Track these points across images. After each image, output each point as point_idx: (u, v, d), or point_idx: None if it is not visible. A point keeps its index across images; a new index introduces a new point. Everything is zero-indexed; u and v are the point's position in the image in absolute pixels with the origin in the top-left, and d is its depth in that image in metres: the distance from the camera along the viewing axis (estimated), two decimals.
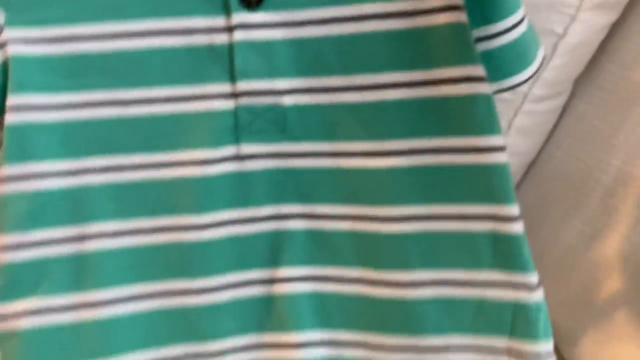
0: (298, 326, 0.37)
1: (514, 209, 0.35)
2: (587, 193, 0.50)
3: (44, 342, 0.35)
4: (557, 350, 0.55)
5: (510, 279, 0.36)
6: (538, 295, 0.36)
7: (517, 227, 0.36)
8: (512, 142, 0.54)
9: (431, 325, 0.37)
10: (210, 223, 0.37)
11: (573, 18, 0.49)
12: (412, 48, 0.35)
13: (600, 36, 0.52)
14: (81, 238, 0.36)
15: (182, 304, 0.37)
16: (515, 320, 0.36)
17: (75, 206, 0.36)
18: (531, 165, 0.57)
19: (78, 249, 0.36)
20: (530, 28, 0.39)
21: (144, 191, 0.36)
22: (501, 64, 0.38)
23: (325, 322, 0.38)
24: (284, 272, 0.37)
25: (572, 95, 0.55)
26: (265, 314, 0.38)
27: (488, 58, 0.36)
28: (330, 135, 0.36)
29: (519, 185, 0.59)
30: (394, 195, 0.36)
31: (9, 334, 0.35)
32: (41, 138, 0.35)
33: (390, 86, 0.35)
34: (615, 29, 0.53)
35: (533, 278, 0.36)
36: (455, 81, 0.35)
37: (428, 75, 0.35)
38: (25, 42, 0.35)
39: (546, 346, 0.36)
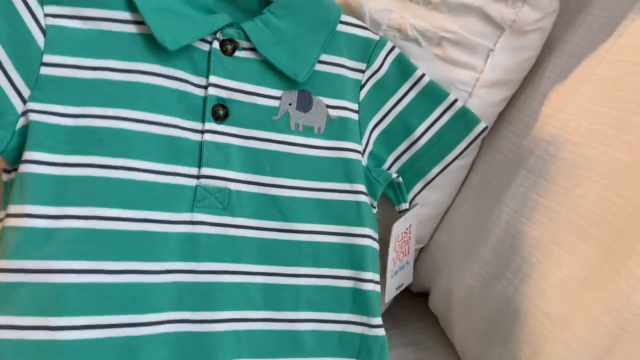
0: (218, 357, 0.47)
1: (368, 275, 0.53)
2: (483, 241, 0.59)
3: (8, 352, 0.42)
4: None
5: (361, 320, 0.53)
6: (376, 332, 0.53)
7: (370, 286, 0.53)
8: (424, 195, 0.62)
9: (309, 350, 0.51)
10: (162, 270, 0.46)
11: (470, 95, 0.58)
12: (324, 169, 0.53)
13: (497, 109, 0.61)
14: (50, 271, 0.43)
15: (127, 334, 0.45)
16: (360, 347, 0.53)
17: (50, 244, 0.43)
18: (446, 214, 0.66)
19: (45, 280, 0.43)
20: None
21: (114, 239, 0.45)
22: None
23: (238, 352, 0.49)
24: (213, 315, 0.48)
25: (478, 155, 0.64)
26: (192, 347, 0.47)
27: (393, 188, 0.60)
28: (258, 214, 0.51)
29: (435, 231, 0.67)
30: (297, 259, 0.52)
31: None
32: (36, 187, 0.43)
33: (299, 188, 0.52)
34: (513, 101, 0.62)
35: (374, 320, 0.53)
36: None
37: (324, 186, 0.53)
38: (42, 113, 0.44)
39: None
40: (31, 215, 0.43)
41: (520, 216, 0.56)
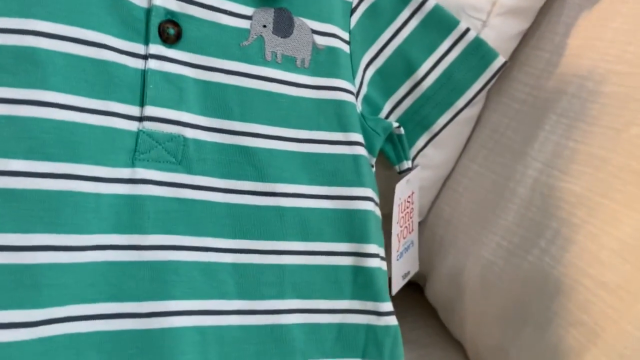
0: None
1: (372, 248, 0.42)
2: (503, 206, 0.48)
3: None
4: None
5: (365, 307, 0.42)
6: (386, 321, 0.42)
7: (374, 262, 0.42)
8: (426, 154, 0.51)
9: (299, 349, 0.40)
10: (89, 245, 0.34)
11: (484, 24, 0.48)
12: (311, 114, 0.41)
13: (513, 44, 0.51)
14: None
15: (39, 335, 0.32)
16: (367, 342, 0.42)
17: None
18: (447, 180, 0.55)
19: None
20: None
21: (20, 203, 0.32)
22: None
23: (204, 356, 0.37)
24: (166, 305, 0.36)
25: (485, 107, 0.53)
26: (140, 352, 0.35)
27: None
28: (225, 172, 0.39)
29: (435, 200, 0.56)
30: (278, 231, 0.40)
31: None
32: None
33: (280, 139, 0.40)
34: (526, 40, 0.52)
35: (383, 306, 0.42)
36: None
37: (312, 135, 0.41)
38: None
39: None
40: None
41: (553, 170, 0.45)
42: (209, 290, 0.37)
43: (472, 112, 0.52)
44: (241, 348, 0.38)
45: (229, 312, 0.38)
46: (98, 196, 0.34)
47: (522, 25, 0.50)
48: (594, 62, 0.45)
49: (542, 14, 0.51)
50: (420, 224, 0.57)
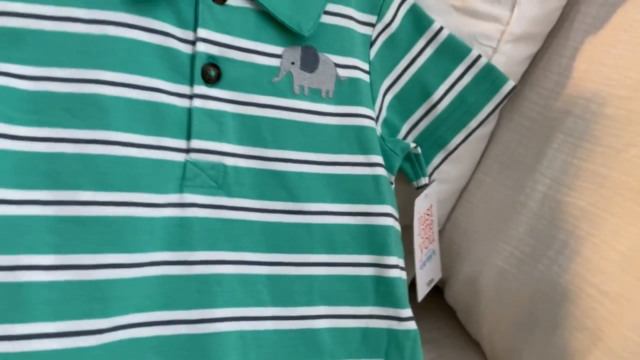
0: None
1: (392, 259, 0.46)
2: (514, 218, 0.52)
3: None
4: None
5: (387, 313, 0.46)
6: (406, 325, 0.46)
7: (395, 272, 0.46)
8: (443, 169, 0.55)
9: (328, 351, 0.44)
10: (146, 262, 0.39)
11: (495, 50, 0.51)
12: (335, 139, 0.46)
13: (522, 68, 0.54)
14: (12, 268, 0.36)
15: (106, 340, 0.37)
16: (389, 345, 0.46)
17: (13, 235, 0.36)
18: (463, 192, 0.59)
19: (6, 279, 0.36)
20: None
21: (88, 228, 0.37)
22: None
23: (245, 357, 0.41)
24: (211, 313, 0.41)
25: (498, 124, 0.57)
26: (191, 354, 0.40)
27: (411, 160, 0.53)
28: (259, 194, 0.43)
29: (451, 211, 0.60)
30: (307, 245, 0.44)
31: None
32: None
33: (308, 162, 0.45)
34: (536, 61, 0.56)
35: (403, 312, 0.46)
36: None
37: (336, 159, 0.46)
38: None
39: None
40: None
41: (560, 185, 0.49)
42: (247, 299, 0.42)
43: (486, 129, 0.56)
44: (277, 350, 0.43)
45: (265, 318, 0.43)
46: (153, 220, 0.39)
47: (530, 49, 0.53)
48: (597, 85, 0.48)
49: (551, 36, 0.55)
50: (438, 232, 0.61)
